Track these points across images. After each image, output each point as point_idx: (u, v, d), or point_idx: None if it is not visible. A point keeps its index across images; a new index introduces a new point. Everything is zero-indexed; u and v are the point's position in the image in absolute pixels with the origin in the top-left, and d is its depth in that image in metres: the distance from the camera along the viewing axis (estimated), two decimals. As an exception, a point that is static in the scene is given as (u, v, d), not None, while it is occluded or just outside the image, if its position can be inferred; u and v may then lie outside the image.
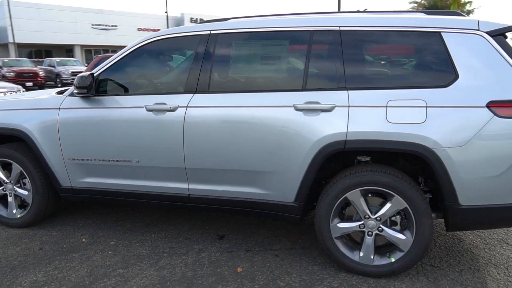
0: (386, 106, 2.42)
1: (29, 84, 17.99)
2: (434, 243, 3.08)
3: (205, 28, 2.88)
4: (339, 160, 2.79)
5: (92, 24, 39.07)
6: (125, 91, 3.06)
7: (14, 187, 3.35)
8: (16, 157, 3.23)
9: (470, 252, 2.94)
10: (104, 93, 3.04)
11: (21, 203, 3.42)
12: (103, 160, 3.03)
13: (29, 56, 37.34)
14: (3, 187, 3.39)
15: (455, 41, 2.42)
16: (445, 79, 2.39)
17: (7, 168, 3.38)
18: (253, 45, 2.88)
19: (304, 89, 2.60)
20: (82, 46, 38.97)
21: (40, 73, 18.89)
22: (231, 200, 2.83)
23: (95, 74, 3.01)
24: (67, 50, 39.81)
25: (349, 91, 2.51)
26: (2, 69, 19.12)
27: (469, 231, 3.27)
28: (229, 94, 2.73)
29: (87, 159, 3.07)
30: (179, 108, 2.78)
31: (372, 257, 2.58)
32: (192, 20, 54.55)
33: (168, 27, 30.68)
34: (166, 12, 33.87)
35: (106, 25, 39.47)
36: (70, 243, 3.12)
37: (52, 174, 3.18)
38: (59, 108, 3.08)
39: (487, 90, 2.32)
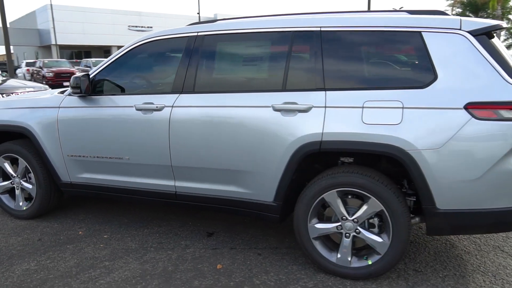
0: (363, 107, 2.39)
1: (67, 83, 18.90)
2: (424, 247, 3.00)
3: (192, 30, 2.95)
4: (322, 161, 2.79)
5: (129, 26, 40.41)
6: (119, 91, 3.18)
7: (21, 181, 3.56)
8: (22, 152, 3.44)
9: (459, 258, 2.84)
10: (100, 93, 3.18)
11: (28, 196, 3.64)
12: (97, 157, 3.17)
13: (70, 57, 39.21)
14: (11, 180, 3.62)
15: (435, 41, 2.36)
16: (424, 80, 2.34)
17: (16, 163, 3.60)
18: (237, 46, 2.92)
19: (284, 89, 2.61)
20: (119, 47, 40.23)
21: (77, 73, 19.77)
22: (214, 198, 2.89)
23: (91, 75, 3.16)
24: (105, 51, 41.41)
25: (327, 92, 2.50)
26: (43, 70, 20.31)
27: (465, 237, 3.17)
28: (212, 94, 2.79)
29: (83, 156, 3.22)
30: (165, 108, 2.87)
31: (349, 259, 2.55)
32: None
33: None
34: (198, 13, 34.42)
35: (142, 27, 40.69)
36: (68, 235, 3.29)
37: (53, 169, 3.37)
38: (59, 107, 3.26)
39: (466, 91, 2.25)
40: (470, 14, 28.36)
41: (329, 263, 2.60)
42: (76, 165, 3.29)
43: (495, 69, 2.23)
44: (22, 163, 3.48)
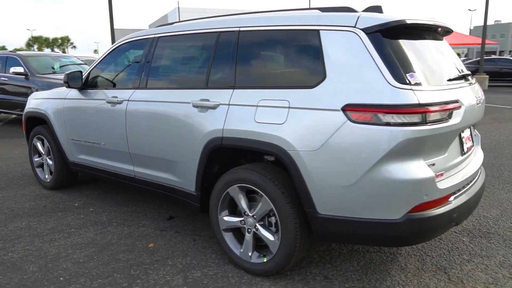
0: (257, 106, 2.44)
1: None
2: (359, 256, 2.84)
3: (153, 32, 3.29)
4: (250, 158, 2.88)
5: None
6: (102, 86, 3.70)
7: (46, 158, 4.38)
8: (45, 134, 4.24)
9: (386, 273, 2.64)
10: (91, 87, 3.74)
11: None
12: (85, 141, 3.76)
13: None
14: (41, 157, 4.47)
15: (329, 39, 2.27)
16: (314, 80, 2.28)
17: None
18: (178, 47, 3.15)
19: (205, 87, 2.78)
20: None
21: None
22: (158, 184, 3.20)
23: (86, 72, 3.75)
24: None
25: (234, 90, 2.60)
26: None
27: (416, 252, 2.88)
28: (157, 90, 3.10)
29: (78, 140, 3.84)
30: (124, 102, 3.28)
31: (250, 254, 2.61)
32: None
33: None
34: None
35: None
36: (66, 205, 3.96)
37: (62, 149, 4.08)
38: (65, 98, 3.93)
39: (347, 92, 2.13)
40: None
41: (234, 256, 2.70)
42: (76, 148, 3.93)
43: (380, 70, 2.07)
44: (46, 143, 4.28)
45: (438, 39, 2.65)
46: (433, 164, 2.14)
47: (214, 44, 2.80)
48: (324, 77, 2.24)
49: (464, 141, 2.48)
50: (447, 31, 2.77)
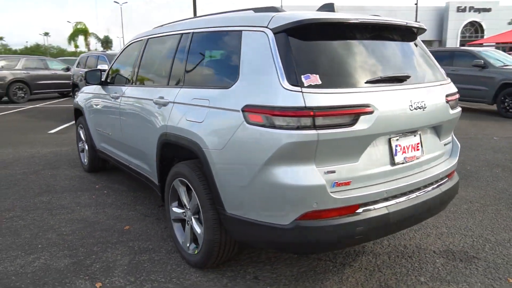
0: (189, 104, 2.55)
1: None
2: (311, 264, 2.76)
3: (147, 33, 3.60)
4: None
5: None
6: (113, 82, 4.14)
7: (85, 144, 5.05)
8: (83, 124, 4.89)
9: (319, 283, 2.53)
10: (109, 83, 4.22)
11: (92, 156, 5.09)
12: (102, 131, 4.26)
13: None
14: (82, 144, 5.17)
15: (247, 39, 2.29)
16: (231, 80, 2.31)
17: (88, 132, 5.10)
18: (158, 47, 3.38)
19: (167, 85, 2.98)
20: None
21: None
22: (140, 172, 3.51)
23: (106, 69, 4.25)
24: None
25: (181, 89, 2.75)
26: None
27: (373, 268, 2.69)
28: (138, 87, 3.41)
29: (100, 130, 4.38)
30: (119, 97, 3.66)
31: (188, 245, 2.74)
32: (459, 9, 48.93)
33: (416, 19, 29.20)
34: (416, 4, 32.04)
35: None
36: (89, 186, 4.53)
37: (91, 138, 4.67)
38: (93, 93, 4.50)
39: (248, 93, 2.14)
40: None
41: (178, 245, 2.86)
42: (99, 137, 4.48)
43: (277, 71, 2.03)
44: (83, 132, 4.95)
45: (391, 38, 2.43)
46: (333, 172, 2.01)
47: (177, 45, 2.97)
48: (238, 77, 2.26)
49: (398, 150, 2.25)
50: (419, 29, 2.54)
